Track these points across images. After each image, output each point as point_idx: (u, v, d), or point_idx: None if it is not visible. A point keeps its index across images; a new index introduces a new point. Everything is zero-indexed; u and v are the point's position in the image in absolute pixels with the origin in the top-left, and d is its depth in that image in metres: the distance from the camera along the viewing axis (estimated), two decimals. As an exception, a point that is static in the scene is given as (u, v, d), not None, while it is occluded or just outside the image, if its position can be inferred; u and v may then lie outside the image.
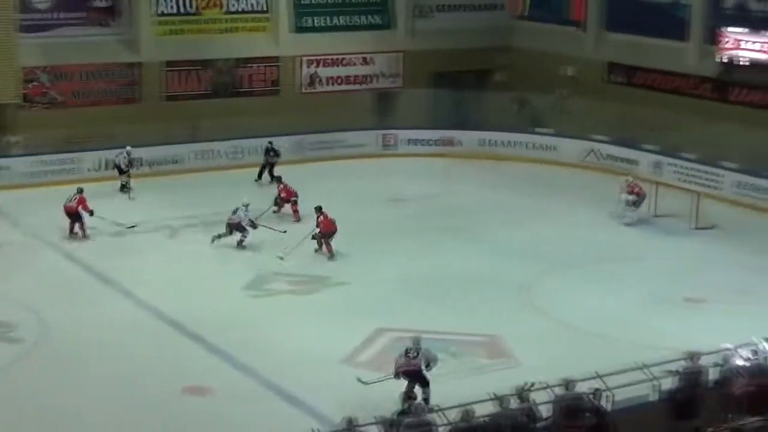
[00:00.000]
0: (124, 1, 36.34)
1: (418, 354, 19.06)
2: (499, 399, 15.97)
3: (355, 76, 40.10)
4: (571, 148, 36.77)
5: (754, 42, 34.33)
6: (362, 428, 15.38)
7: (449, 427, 15.62)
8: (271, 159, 34.58)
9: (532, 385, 16.60)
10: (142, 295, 24.25)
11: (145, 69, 36.40)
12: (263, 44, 38.48)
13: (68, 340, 21.91)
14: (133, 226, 28.74)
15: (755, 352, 18.04)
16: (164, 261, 26.82)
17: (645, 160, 35.31)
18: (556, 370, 17.99)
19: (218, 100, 37.39)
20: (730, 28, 34.95)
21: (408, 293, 24.93)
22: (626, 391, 17.18)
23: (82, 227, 28.22)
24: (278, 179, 31.71)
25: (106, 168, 33.80)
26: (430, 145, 38.22)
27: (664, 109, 36.22)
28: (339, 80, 39.82)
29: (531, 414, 16.19)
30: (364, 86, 40.18)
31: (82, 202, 28.15)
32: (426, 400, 18.44)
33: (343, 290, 25.18)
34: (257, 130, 36.14)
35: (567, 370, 17.38)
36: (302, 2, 39.09)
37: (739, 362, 17.75)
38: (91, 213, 28.15)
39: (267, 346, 21.66)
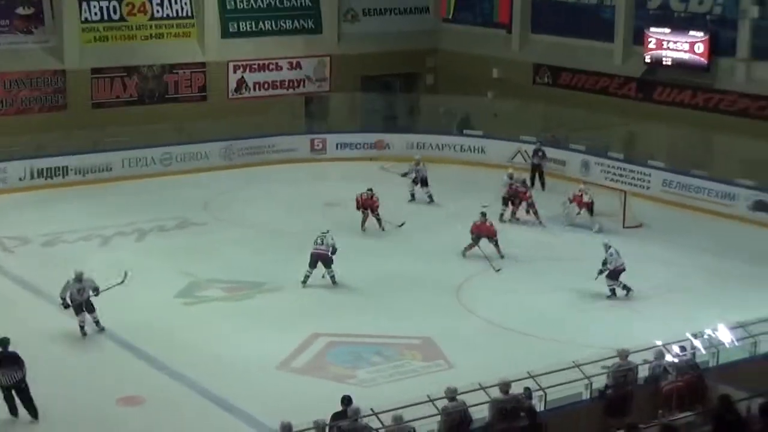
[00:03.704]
0: (48, 9, 36.13)
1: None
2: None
3: (283, 81, 40.20)
4: (499, 149, 37.15)
5: (676, 42, 34.97)
6: (299, 433, 15.55)
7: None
8: (539, 161, 34.74)
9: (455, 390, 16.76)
10: (74, 305, 24.15)
11: (71, 76, 36.21)
12: (190, 50, 38.45)
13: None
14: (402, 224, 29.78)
15: (683, 349, 18.44)
16: (96, 270, 26.61)
17: (573, 160, 35.80)
18: (489, 371, 18.29)
19: (145, 107, 37.33)
20: (653, 29, 35.56)
21: (342, 297, 25.17)
22: (559, 390, 17.46)
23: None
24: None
25: (33, 177, 33.71)
26: (359, 148, 38.42)
27: (591, 110, 36.76)
28: (266, 85, 39.89)
29: (464, 416, 16.46)
30: (291, 91, 40.29)
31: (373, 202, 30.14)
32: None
33: (277, 296, 25.28)
34: (186, 136, 36.19)
35: (500, 371, 17.68)
36: (229, 8, 39.12)
37: (668, 359, 18.14)
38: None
39: (201, 354, 21.71)
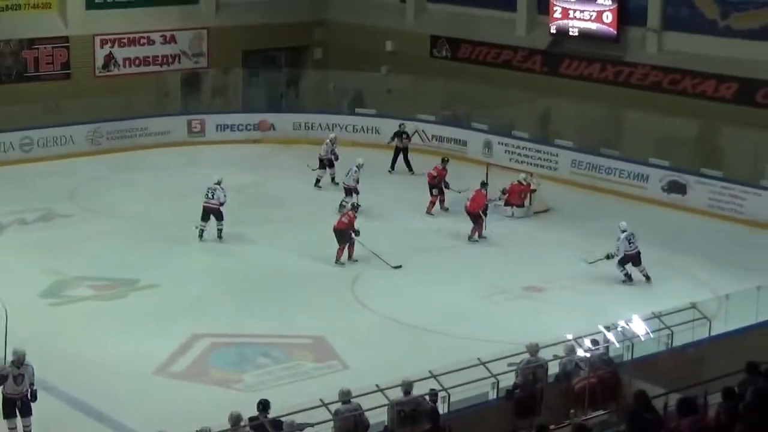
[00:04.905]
0: None
1: None
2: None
3: (156, 57, 39.86)
4: (394, 129, 37.10)
5: (583, 11, 35.39)
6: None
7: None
8: (403, 144, 35.03)
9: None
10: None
11: None
12: (51, 23, 37.91)
13: None
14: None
15: (596, 342, 18.68)
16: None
17: (474, 140, 36.06)
18: (387, 372, 18.40)
19: (1, 87, 36.73)
20: (559, -3, 35.97)
21: (225, 294, 25.08)
22: (463, 390, 17.58)
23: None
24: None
25: None
26: (241, 130, 38.31)
27: (493, 85, 37.02)
28: (138, 61, 39.54)
29: (359, 420, 16.54)
30: (166, 67, 40.00)
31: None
32: None
33: (154, 294, 25.10)
34: (48, 119, 35.71)
35: (399, 371, 17.80)
36: (94, -24, 38.73)
37: (580, 353, 18.36)
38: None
39: (70, 360, 21.47)
